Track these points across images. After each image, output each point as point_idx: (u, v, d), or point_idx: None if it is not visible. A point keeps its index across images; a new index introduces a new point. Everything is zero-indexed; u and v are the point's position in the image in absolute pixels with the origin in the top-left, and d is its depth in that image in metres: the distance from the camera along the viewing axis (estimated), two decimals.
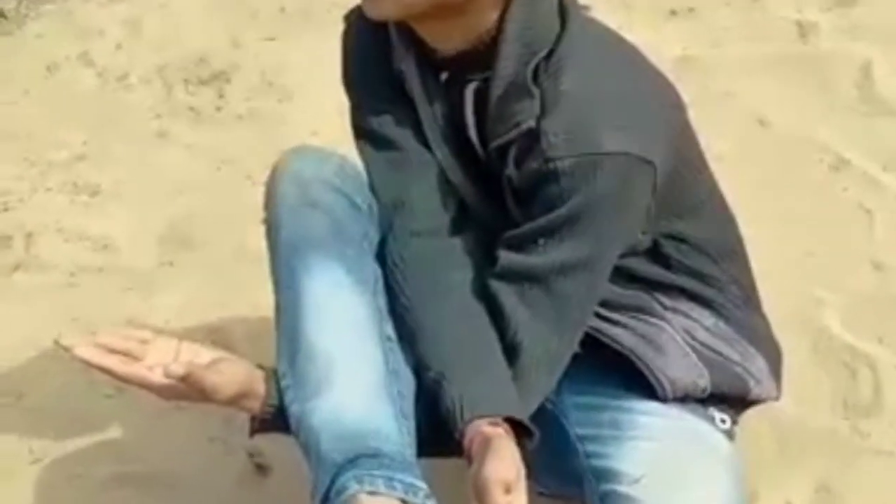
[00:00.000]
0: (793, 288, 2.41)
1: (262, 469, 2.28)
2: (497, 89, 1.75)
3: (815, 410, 2.27)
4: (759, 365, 1.96)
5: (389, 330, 1.80)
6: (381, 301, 1.82)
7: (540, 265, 1.74)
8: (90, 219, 2.81)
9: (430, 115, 1.83)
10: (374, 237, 1.85)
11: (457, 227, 1.84)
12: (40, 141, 3.00)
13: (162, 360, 1.75)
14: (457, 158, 1.83)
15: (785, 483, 2.17)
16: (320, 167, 1.85)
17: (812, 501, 2.16)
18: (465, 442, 1.67)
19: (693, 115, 1.88)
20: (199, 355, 1.77)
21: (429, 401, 1.74)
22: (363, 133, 1.88)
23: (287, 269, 1.80)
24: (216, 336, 2.46)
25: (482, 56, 1.76)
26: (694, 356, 1.90)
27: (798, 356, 2.26)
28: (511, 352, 1.76)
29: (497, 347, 1.75)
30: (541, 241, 1.73)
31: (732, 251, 1.97)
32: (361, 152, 1.88)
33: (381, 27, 1.83)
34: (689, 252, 1.89)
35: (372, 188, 1.86)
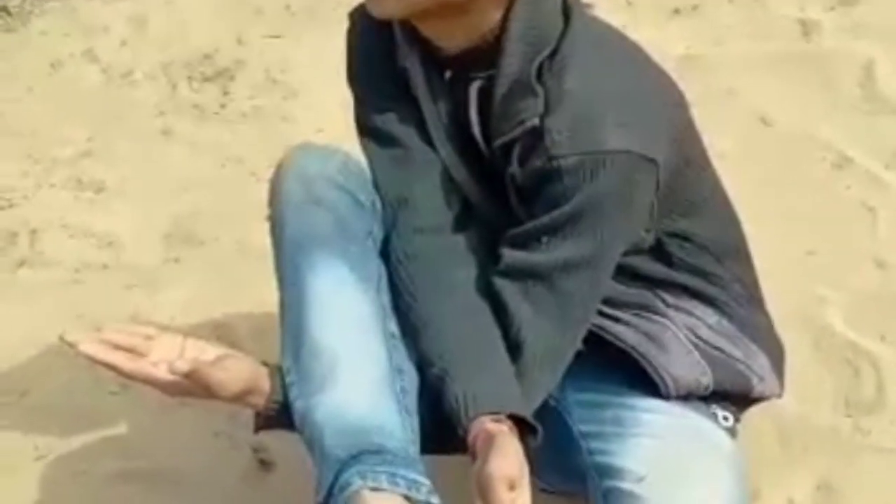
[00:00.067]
0: (795, 286, 2.41)
1: (266, 465, 2.28)
2: (501, 87, 1.76)
3: (817, 408, 2.27)
4: (761, 362, 1.96)
5: (393, 327, 1.81)
6: (385, 298, 1.82)
7: (543, 263, 1.75)
8: (95, 215, 2.81)
9: (434, 112, 1.84)
10: (378, 234, 1.85)
11: (460, 225, 1.84)
12: (45, 138, 3.00)
13: (167, 356, 1.76)
14: (460, 156, 1.84)
15: (787, 480, 2.17)
16: (324, 164, 1.86)
17: (814, 499, 2.16)
18: (469, 438, 1.67)
19: (696, 114, 1.88)
20: (204, 352, 1.77)
21: (432, 397, 1.74)
22: (367, 130, 1.89)
23: (291, 266, 1.80)
24: (220, 332, 2.46)
25: (486, 54, 1.77)
26: (697, 354, 1.90)
27: (800, 354, 2.26)
28: (514, 349, 1.76)
29: (500, 344, 1.76)
30: (544, 239, 1.74)
31: (735, 249, 1.97)
32: (365, 149, 1.89)
33: (385, 25, 1.84)
34: (693, 250, 1.90)
35: (376, 185, 1.87)
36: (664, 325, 1.89)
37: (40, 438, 2.37)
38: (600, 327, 1.85)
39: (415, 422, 1.75)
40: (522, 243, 1.76)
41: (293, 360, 1.76)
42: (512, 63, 1.74)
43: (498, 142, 1.77)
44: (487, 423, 1.66)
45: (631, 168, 1.71)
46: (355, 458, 1.66)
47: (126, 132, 3.00)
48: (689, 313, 1.92)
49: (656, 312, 1.89)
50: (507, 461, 1.60)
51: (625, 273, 1.85)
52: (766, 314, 2.02)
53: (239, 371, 1.75)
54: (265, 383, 1.76)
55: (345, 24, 1.93)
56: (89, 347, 1.74)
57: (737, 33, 3.08)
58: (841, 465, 2.19)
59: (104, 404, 2.40)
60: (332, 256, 1.79)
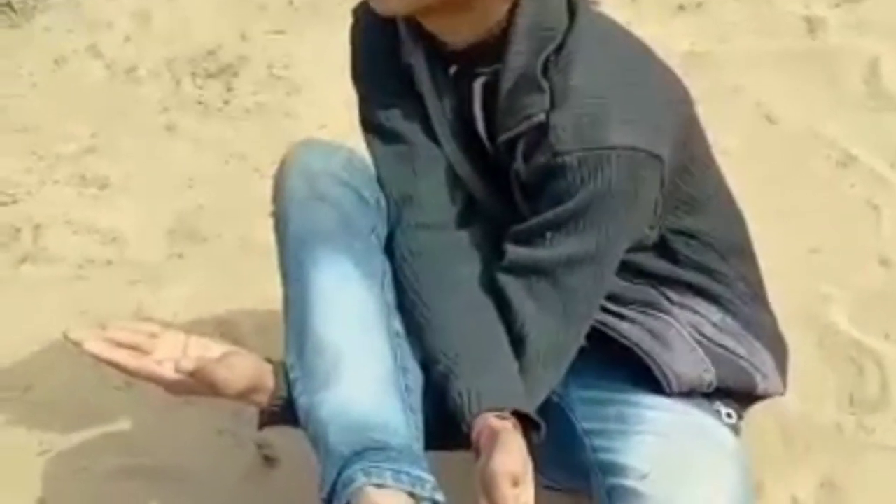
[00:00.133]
0: (799, 284, 2.41)
1: (270, 461, 2.28)
2: (507, 82, 1.75)
3: (820, 406, 2.27)
4: (765, 360, 1.96)
5: (397, 324, 1.81)
6: (389, 295, 1.82)
7: (547, 259, 1.74)
8: (98, 212, 2.81)
9: (439, 108, 1.84)
10: (383, 231, 1.85)
11: (464, 221, 1.84)
12: (48, 134, 3.00)
13: (171, 354, 1.76)
14: (465, 152, 1.84)
15: (790, 478, 2.18)
16: (328, 160, 1.86)
17: (817, 496, 2.16)
18: (473, 435, 1.67)
19: (700, 111, 1.88)
20: (208, 349, 1.77)
21: (436, 394, 1.74)
22: (371, 127, 1.89)
23: (295, 262, 1.80)
24: (224, 329, 2.46)
25: (492, 49, 1.76)
26: (700, 351, 1.90)
27: (804, 352, 2.26)
28: (518, 345, 1.76)
29: (505, 341, 1.76)
30: (548, 235, 1.74)
31: (740, 247, 1.97)
32: (370, 146, 1.89)
33: (389, 21, 1.83)
34: (697, 247, 1.90)
35: (380, 182, 1.87)
36: (668, 322, 1.89)
37: (43, 434, 2.37)
38: (604, 324, 1.85)
39: (419, 418, 1.75)
40: (526, 239, 1.76)
41: (297, 356, 1.76)
42: (518, 58, 1.74)
43: (503, 137, 1.77)
44: (491, 420, 1.66)
45: (636, 164, 1.71)
46: (359, 454, 1.66)
47: (130, 128, 3.00)
48: (693, 311, 1.91)
49: (660, 309, 1.89)
50: (511, 457, 1.60)
51: (629, 270, 1.85)
52: (769, 312, 2.02)
53: (243, 368, 1.75)
54: (269, 380, 1.77)
55: (348, 20, 1.93)
56: (94, 346, 1.74)
57: (742, 30, 3.07)
58: (844, 463, 2.19)
59: (107, 401, 2.40)
60: (336, 253, 1.79)
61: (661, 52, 1.85)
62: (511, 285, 1.77)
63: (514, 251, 1.77)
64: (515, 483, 1.58)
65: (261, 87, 3.07)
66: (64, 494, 2.29)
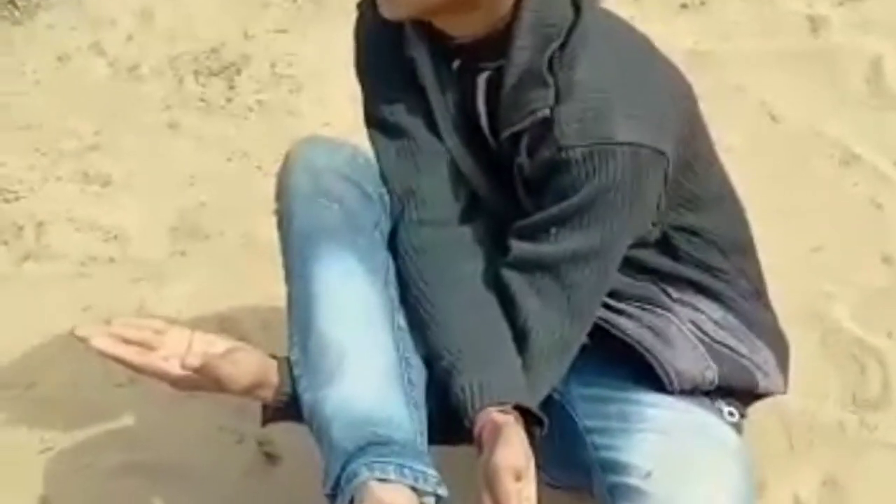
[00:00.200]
0: (802, 282, 2.41)
1: (271, 458, 2.28)
2: (511, 77, 1.75)
3: (823, 404, 2.27)
4: (766, 358, 1.96)
5: (401, 319, 1.81)
6: (393, 291, 1.82)
7: (551, 254, 1.75)
8: (101, 209, 2.81)
9: (442, 103, 1.84)
10: (386, 227, 1.85)
11: (468, 217, 1.85)
12: (51, 131, 3.00)
13: (176, 350, 1.76)
14: (468, 148, 1.84)
15: (792, 476, 2.18)
16: (332, 157, 1.86)
17: (819, 494, 2.16)
18: (476, 430, 1.67)
19: (703, 109, 1.88)
20: (212, 345, 1.77)
21: (440, 389, 1.74)
22: (375, 122, 1.88)
23: (299, 259, 1.80)
24: (227, 325, 2.46)
25: (497, 44, 1.76)
26: (702, 348, 1.90)
27: (806, 350, 2.26)
28: (521, 340, 1.76)
29: (508, 336, 1.76)
30: (552, 231, 1.74)
31: (742, 245, 1.97)
32: (373, 141, 1.89)
33: None
34: (699, 244, 1.90)
35: (383, 177, 1.86)
36: (669, 319, 1.89)
37: (46, 431, 2.37)
38: (605, 320, 1.85)
39: (422, 414, 1.75)
40: (530, 235, 1.76)
41: (301, 352, 1.76)
42: (522, 54, 1.74)
43: (507, 132, 1.77)
44: (494, 415, 1.66)
45: (640, 160, 1.71)
46: (363, 449, 1.66)
47: (132, 126, 3.00)
48: (694, 307, 1.91)
49: (661, 306, 1.89)
50: (513, 452, 1.60)
51: (631, 266, 1.85)
52: (771, 310, 2.02)
53: (248, 364, 1.75)
54: (274, 376, 1.77)
55: (351, 18, 1.93)
56: (101, 342, 1.74)
57: (745, 29, 3.07)
58: (847, 461, 2.19)
59: (110, 398, 2.40)
60: (340, 248, 1.79)
61: (663, 50, 1.85)
62: (515, 281, 1.77)
63: (518, 247, 1.77)
64: (518, 477, 1.58)
65: (263, 84, 3.07)
66: (66, 492, 2.29)
